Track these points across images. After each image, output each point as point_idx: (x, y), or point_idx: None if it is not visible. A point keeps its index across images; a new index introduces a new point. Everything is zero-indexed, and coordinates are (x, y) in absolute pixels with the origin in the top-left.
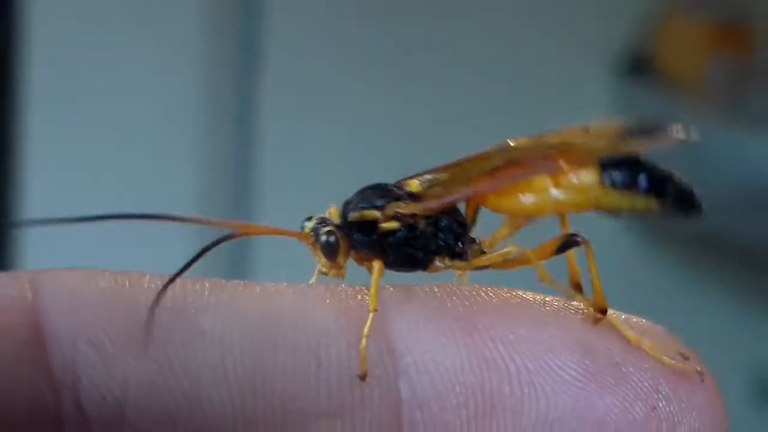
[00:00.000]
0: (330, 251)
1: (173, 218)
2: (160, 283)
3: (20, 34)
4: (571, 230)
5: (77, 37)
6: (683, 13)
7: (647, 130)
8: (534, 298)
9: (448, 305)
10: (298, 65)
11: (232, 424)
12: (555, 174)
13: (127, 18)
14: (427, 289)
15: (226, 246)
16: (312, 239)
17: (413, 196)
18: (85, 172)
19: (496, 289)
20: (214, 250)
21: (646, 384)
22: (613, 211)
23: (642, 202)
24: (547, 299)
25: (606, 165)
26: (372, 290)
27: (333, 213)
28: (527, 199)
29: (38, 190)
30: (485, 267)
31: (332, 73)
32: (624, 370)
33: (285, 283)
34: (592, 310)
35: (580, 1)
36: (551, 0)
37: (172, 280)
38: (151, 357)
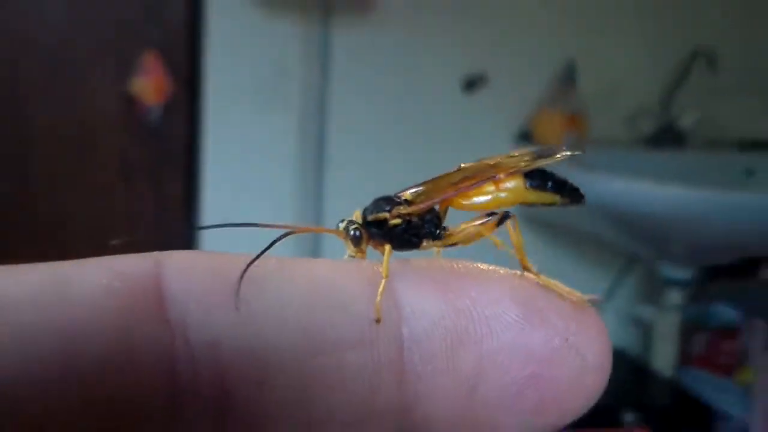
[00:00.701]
0: (356, 241)
1: (255, 225)
2: (244, 262)
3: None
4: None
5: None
6: (549, 108)
7: (548, 153)
8: (488, 268)
9: (433, 273)
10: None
11: (290, 354)
12: (496, 182)
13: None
14: (420, 262)
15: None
16: (344, 234)
17: (408, 202)
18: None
19: (463, 262)
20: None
21: (561, 324)
22: (532, 204)
23: (549, 197)
24: (497, 269)
25: (527, 175)
26: (384, 264)
27: (357, 215)
28: (479, 199)
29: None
30: (454, 244)
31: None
32: (547, 315)
33: (327, 259)
34: (527, 273)
35: (494, 96)
36: (479, 95)
37: (250, 263)
38: (236, 310)
